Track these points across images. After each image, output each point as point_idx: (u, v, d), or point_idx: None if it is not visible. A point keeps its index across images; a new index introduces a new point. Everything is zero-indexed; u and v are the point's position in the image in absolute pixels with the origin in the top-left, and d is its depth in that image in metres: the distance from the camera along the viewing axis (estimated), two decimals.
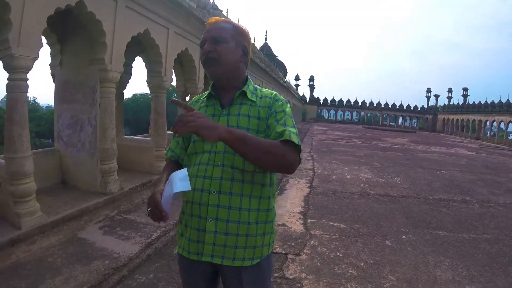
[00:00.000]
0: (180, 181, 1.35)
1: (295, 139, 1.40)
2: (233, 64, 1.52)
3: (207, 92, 1.63)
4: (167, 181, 1.42)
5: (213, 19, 1.57)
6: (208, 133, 1.23)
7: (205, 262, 1.48)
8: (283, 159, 1.36)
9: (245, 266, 1.47)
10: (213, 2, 10.47)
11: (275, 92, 1.59)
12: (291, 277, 3.37)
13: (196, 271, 1.55)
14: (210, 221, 1.42)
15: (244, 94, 1.53)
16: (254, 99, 1.53)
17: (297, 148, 1.40)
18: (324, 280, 3.33)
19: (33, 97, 59.00)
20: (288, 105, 1.57)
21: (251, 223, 1.46)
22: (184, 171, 1.38)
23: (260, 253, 1.51)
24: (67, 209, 4.25)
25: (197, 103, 1.66)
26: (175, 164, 1.69)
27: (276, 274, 3.39)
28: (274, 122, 1.47)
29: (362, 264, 3.71)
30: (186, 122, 1.22)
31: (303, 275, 3.42)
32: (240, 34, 1.55)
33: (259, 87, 1.62)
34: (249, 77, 1.62)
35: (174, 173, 1.40)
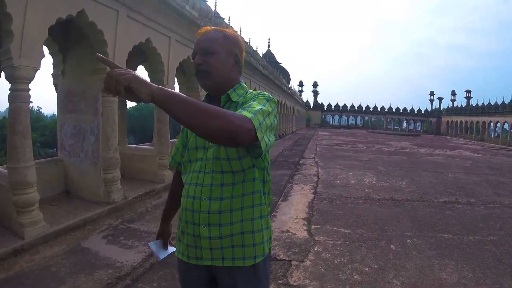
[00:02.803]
0: (160, 250, 1.83)
1: (246, 113, 1.22)
2: (225, 75, 1.50)
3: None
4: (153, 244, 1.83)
5: (203, 30, 1.54)
6: (140, 88, 1.05)
7: (202, 266, 1.49)
8: (222, 122, 1.10)
9: (246, 265, 1.47)
10: (215, 10, 10.53)
11: (264, 92, 1.53)
12: (295, 284, 3.34)
13: (194, 276, 1.56)
14: (203, 227, 1.44)
15: (228, 97, 1.51)
16: (238, 100, 1.50)
17: (251, 121, 1.19)
18: (329, 286, 3.30)
19: (38, 106, 59.27)
20: (269, 96, 1.45)
21: (244, 220, 1.47)
22: (159, 243, 1.84)
23: (262, 251, 1.51)
24: (70, 218, 4.27)
25: None
26: (177, 176, 1.79)
27: (280, 281, 3.36)
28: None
29: (366, 269, 3.68)
30: (120, 74, 1.03)
31: (307, 281, 3.39)
32: (230, 43, 1.52)
33: (251, 90, 1.58)
34: (242, 82, 1.60)
35: (150, 244, 1.84)
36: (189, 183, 1.50)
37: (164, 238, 1.85)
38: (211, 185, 1.44)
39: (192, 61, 1.53)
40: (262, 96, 1.42)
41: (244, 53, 1.60)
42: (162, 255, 1.82)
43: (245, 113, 1.22)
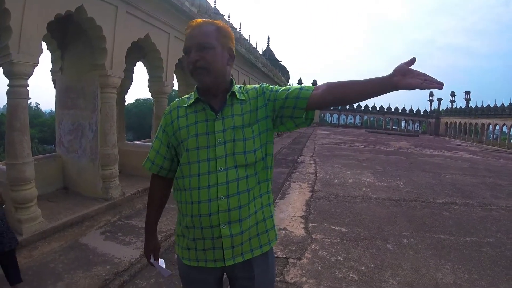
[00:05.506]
0: (163, 268, 1.69)
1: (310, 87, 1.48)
2: (222, 70, 1.45)
3: (187, 97, 1.58)
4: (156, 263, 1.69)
5: (193, 22, 1.47)
6: None
7: (218, 268, 1.49)
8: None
9: (264, 251, 1.53)
10: (215, 7, 10.52)
11: (257, 85, 1.58)
12: (291, 281, 3.36)
13: (209, 279, 1.55)
14: (224, 226, 1.41)
15: (233, 94, 1.49)
16: (243, 98, 1.50)
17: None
18: (325, 284, 3.32)
19: (36, 103, 59.45)
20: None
21: (257, 210, 1.49)
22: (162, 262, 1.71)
23: (274, 235, 1.58)
24: (68, 215, 4.28)
25: (179, 108, 1.54)
26: (159, 182, 1.65)
27: (277, 278, 3.38)
28: (283, 92, 1.50)
29: (363, 268, 3.70)
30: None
31: (304, 279, 3.41)
32: (224, 36, 1.46)
33: (240, 85, 1.59)
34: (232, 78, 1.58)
35: (155, 263, 1.68)
36: (198, 187, 1.43)
37: (156, 252, 1.72)
38: (227, 182, 1.41)
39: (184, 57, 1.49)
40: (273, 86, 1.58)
41: (234, 46, 1.57)
42: (167, 270, 1.72)
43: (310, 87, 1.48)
